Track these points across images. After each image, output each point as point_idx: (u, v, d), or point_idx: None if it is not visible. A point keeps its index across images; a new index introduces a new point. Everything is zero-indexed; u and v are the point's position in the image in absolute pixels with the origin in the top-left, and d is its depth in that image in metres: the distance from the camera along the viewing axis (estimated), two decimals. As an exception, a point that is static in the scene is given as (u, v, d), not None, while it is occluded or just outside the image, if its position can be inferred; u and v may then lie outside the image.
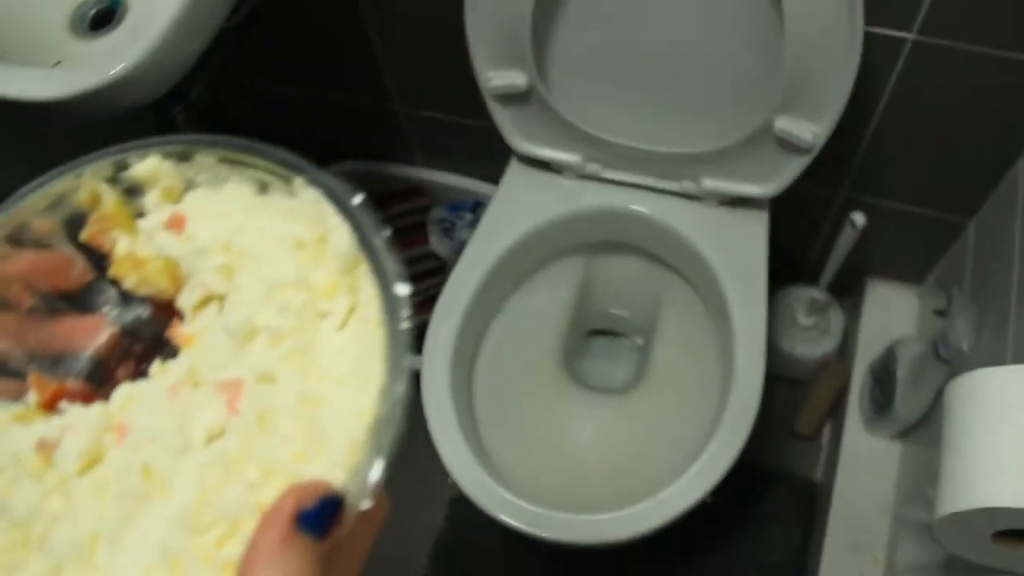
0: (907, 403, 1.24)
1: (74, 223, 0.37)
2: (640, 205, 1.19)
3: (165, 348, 0.37)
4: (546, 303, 1.27)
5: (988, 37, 0.99)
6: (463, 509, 1.52)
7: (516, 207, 1.19)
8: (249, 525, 0.30)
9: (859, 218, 1.18)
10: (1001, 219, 1.15)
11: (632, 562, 1.47)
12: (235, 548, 0.30)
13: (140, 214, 0.38)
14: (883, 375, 1.32)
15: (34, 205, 0.37)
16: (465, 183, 1.52)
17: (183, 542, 0.31)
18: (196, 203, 0.37)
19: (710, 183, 1.15)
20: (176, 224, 0.37)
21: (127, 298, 0.38)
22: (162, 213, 0.37)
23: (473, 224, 1.42)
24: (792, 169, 1.10)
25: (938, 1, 0.97)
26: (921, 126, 1.14)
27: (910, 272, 1.46)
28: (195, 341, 0.36)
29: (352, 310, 0.34)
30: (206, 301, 0.36)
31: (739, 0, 0.96)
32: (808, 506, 1.47)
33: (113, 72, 0.82)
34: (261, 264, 0.36)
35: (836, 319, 1.48)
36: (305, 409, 0.33)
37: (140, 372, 0.36)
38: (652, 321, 1.30)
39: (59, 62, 0.98)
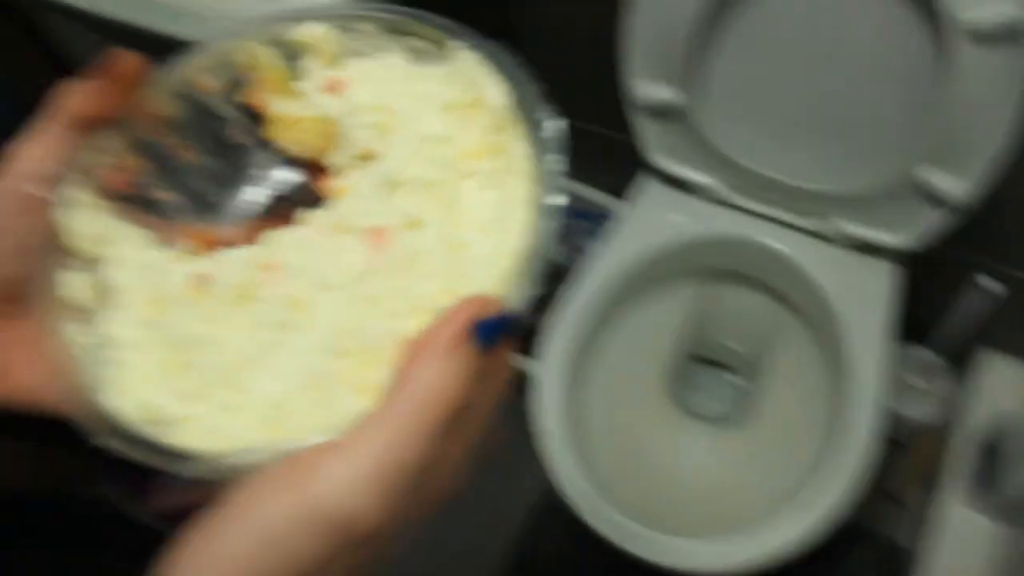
0: (1017, 482, 1.20)
1: (235, 85, 0.39)
2: (769, 237, 1.18)
3: (314, 205, 0.38)
4: (661, 323, 1.26)
5: None
6: (543, 517, 1.52)
7: (647, 223, 1.19)
8: (391, 354, 0.31)
9: (991, 284, 1.15)
10: None
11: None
12: (376, 374, 0.31)
13: (299, 79, 0.39)
14: (993, 450, 1.28)
15: (198, 64, 0.38)
16: (583, 191, 1.52)
17: (326, 366, 0.33)
18: (355, 69, 0.39)
19: (845, 225, 1.13)
20: (334, 88, 0.38)
21: (279, 160, 0.40)
22: (320, 77, 0.39)
23: (591, 233, 1.41)
24: (933, 223, 1.07)
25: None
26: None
27: (1029, 348, 1.42)
28: (345, 192, 0.38)
29: (500, 169, 0.35)
30: (359, 159, 0.38)
31: (902, 51, 0.94)
32: (891, 570, 1.43)
33: None
34: (414, 124, 0.37)
35: (947, 385, 1.43)
36: (450, 252, 0.34)
37: (289, 223, 0.38)
38: (761, 358, 1.28)
39: None
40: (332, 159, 0.38)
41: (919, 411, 1.43)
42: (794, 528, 1.01)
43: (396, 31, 0.38)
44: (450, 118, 0.37)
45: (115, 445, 0.31)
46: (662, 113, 1.10)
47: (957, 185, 1.01)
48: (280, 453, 0.29)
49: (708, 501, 1.15)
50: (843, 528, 1.47)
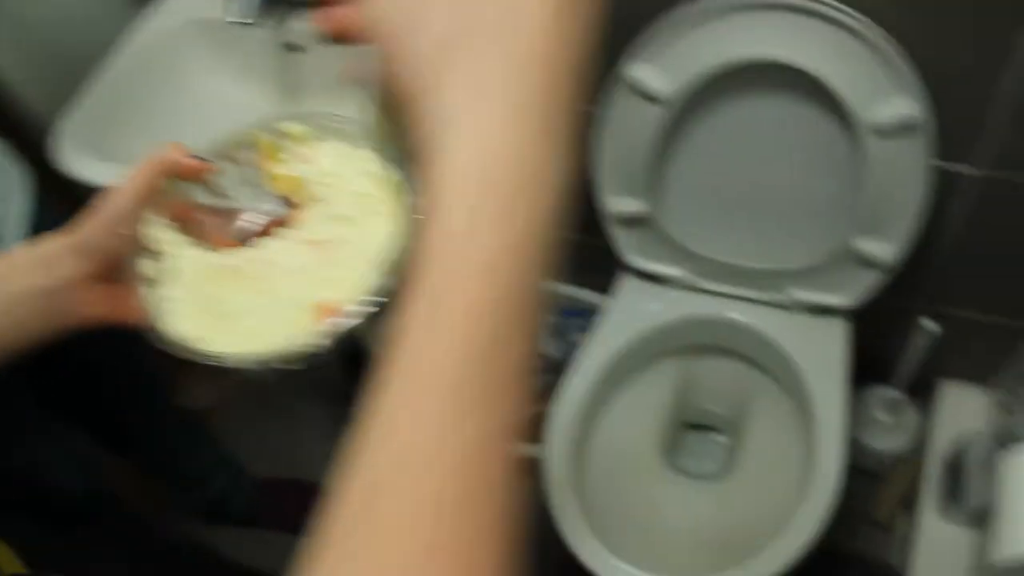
0: (978, 492, 1.38)
1: (249, 152, 0.64)
2: (735, 313, 1.38)
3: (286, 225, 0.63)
4: (650, 398, 1.45)
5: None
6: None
7: (629, 314, 1.38)
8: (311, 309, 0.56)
9: (931, 327, 1.35)
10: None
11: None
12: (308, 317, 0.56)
13: (283, 152, 0.64)
14: (956, 467, 1.46)
15: (231, 141, 0.64)
16: (574, 292, 1.72)
17: (286, 313, 0.57)
18: (316, 149, 0.63)
19: (797, 293, 1.33)
20: (306, 160, 0.62)
21: (270, 196, 0.64)
22: (296, 152, 0.63)
23: (583, 328, 1.60)
24: (870, 283, 1.27)
25: (1007, 143, 1.16)
26: (992, 240, 1.30)
27: (980, 373, 1.60)
28: (304, 221, 0.62)
29: (392, 211, 0.58)
30: (314, 200, 0.62)
31: (826, 146, 1.16)
32: (886, 590, 1.59)
33: None
34: (348, 184, 0.61)
35: (912, 417, 1.62)
36: (358, 255, 0.58)
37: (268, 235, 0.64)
38: (742, 416, 1.47)
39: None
40: (299, 199, 0.63)
41: (891, 443, 1.61)
42: (777, 556, 1.17)
43: (337, 129, 0.63)
44: (368, 181, 0.60)
45: (171, 350, 0.56)
46: (631, 221, 1.31)
47: (885, 249, 1.21)
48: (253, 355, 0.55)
49: (702, 546, 1.32)
50: (838, 556, 1.65)
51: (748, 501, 1.41)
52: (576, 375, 1.34)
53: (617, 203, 1.28)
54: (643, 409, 1.45)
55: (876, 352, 1.62)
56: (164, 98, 1.34)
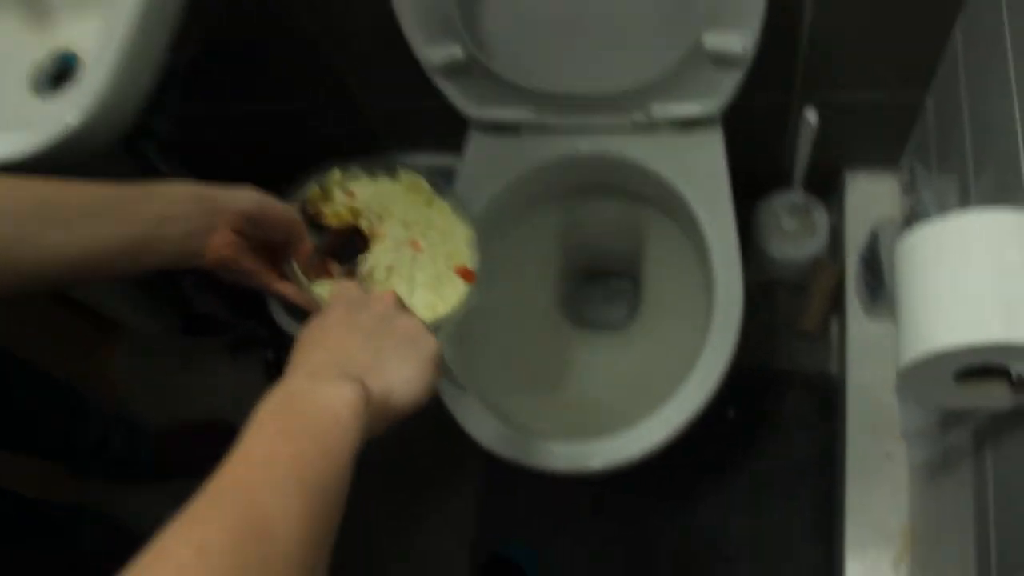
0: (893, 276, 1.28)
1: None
2: (598, 146, 1.24)
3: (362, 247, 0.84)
4: (533, 254, 1.32)
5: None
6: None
7: (481, 172, 1.25)
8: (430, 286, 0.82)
9: (811, 116, 1.22)
10: (950, 87, 1.18)
11: (663, 482, 1.52)
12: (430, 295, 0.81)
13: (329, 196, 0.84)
14: (871, 260, 1.36)
15: (299, 194, 0.82)
16: (441, 160, 1.58)
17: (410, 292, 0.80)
18: (354, 186, 0.84)
19: (658, 110, 1.19)
20: (350, 195, 0.83)
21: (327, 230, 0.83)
22: (341, 193, 0.84)
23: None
24: (731, 82, 1.14)
25: None
26: (854, 11, 1.16)
27: (884, 157, 1.49)
28: (384, 234, 0.83)
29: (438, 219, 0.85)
30: (371, 225, 0.83)
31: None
32: (827, 400, 1.52)
33: (70, 122, 0.89)
34: (395, 206, 0.84)
35: (820, 217, 1.51)
36: (442, 248, 0.84)
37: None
38: (637, 256, 1.35)
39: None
40: (361, 224, 0.83)
41: (805, 249, 1.50)
42: (690, 398, 1.07)
43: (367, 169, 0.85)
44: (411, 199, 0.85)
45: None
46: (458, 69, 1.16)
47: (736, 40, 1.07)
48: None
49: (622, 402, 1.22)
50: (774, 376, 1.57)
51: (657, 344, 1.31)
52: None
53: (434, 52, 1.13)
54: (529, 262, 1.33)
55: (766, 159, 1.51)
56: None
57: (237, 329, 1.72)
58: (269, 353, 1.73)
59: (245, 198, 0.71)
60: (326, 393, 0.54)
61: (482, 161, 1.26)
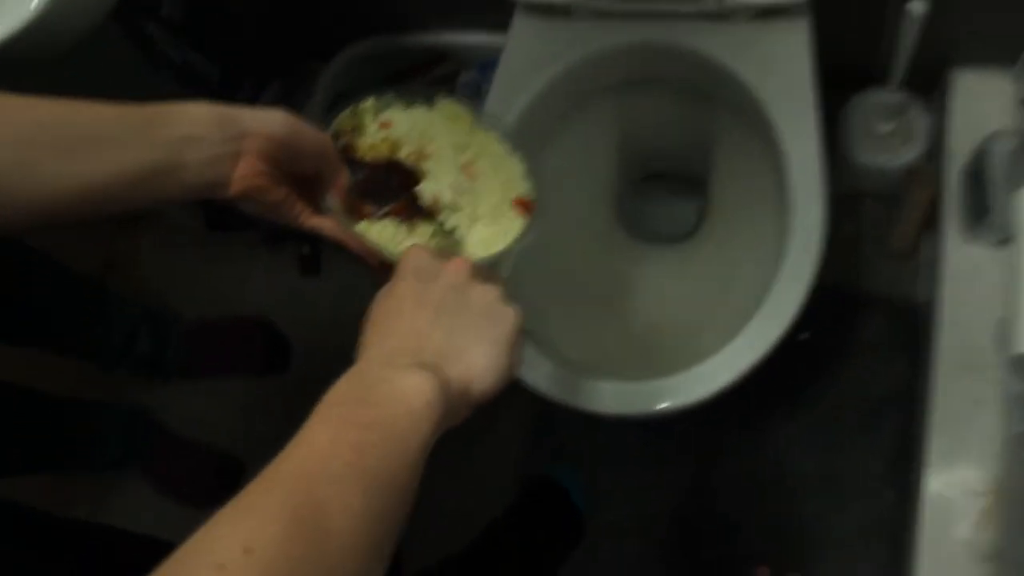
0: (1004, 204, 1.10)
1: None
2: (661, 35, 1.07)
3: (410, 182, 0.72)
4: (586, 155, 1.17)
5: None
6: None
7: (527, 60, 1.09)
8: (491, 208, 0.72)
9: (917, 5, 1.02)
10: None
11: (725, 409, 1.39)
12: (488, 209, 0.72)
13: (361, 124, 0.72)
14: (977, 177, 1.17)
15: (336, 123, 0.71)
16: (489, 39, 1.41)
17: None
18: (388, 115, 0.72)
19: (735, -6, 1.01)
20: (384, 125, 0.72)
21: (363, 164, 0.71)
22: (375, 123, 0.72)
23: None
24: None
25: None
26: None
27: (1001, 53, 1.28)
28: (432, 161, 0.72)
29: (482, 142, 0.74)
30: (416, 156, 0.72)
31: None
32: (912, 330, 1.35)
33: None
34: (440, 137, 0.73)
35: (919, 121, 1.32)
36: (497, 172, 0.73)
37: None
38: (703, 161, 1.19)
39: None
40: (402, 155, 0.72)
41: (900, 157, 1.32)
42: (768, 333, 0.94)
43: (403, 96, 0.73)
44: (452, 128, 0.73)
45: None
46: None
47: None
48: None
49: (681, 329, 1.08)
50: (856, 298, 1.41)
51: (726, 261, 1.15)
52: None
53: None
54: (581, 167, 1.18)
55: (857, 50, 1.31)
56: None
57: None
58: (305, 247, 1.63)
59: (274, 121, 0.63)
60: (400, 383, 0.51)
61: (528, 47, 1.10)
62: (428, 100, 0.73)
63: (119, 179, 0.57)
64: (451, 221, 0.70)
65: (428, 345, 0.55)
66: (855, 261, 1.43)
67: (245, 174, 0.62)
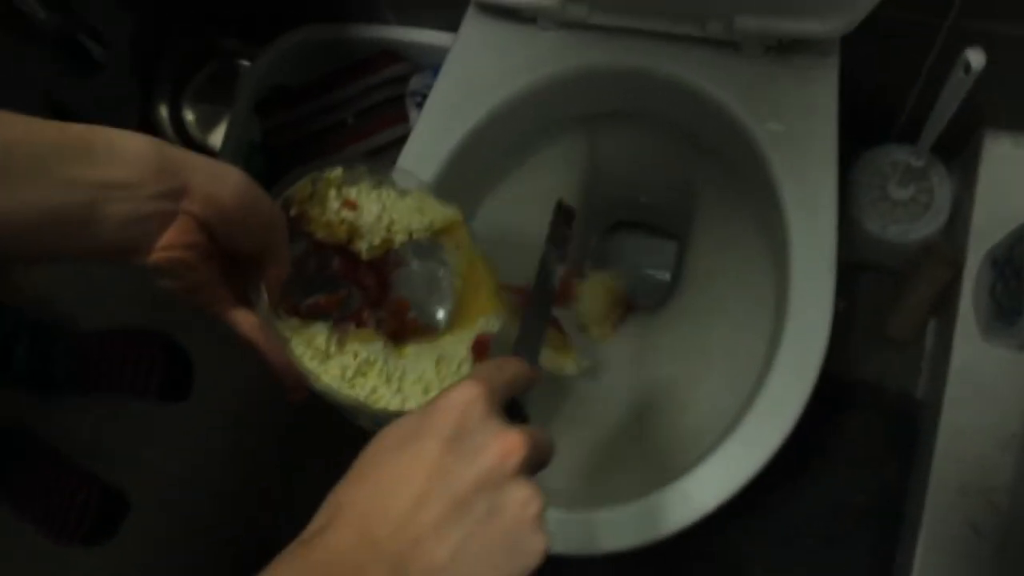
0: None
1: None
2: (649, 59, 0.85)
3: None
4: (537, 201, 0.95)
5: None
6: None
7: (476, 74, 0.86)
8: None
9: (976, 56, 0.82)
10: None
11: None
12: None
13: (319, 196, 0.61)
14: (1010, 266, 0.98)
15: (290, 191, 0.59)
16: (450, 39, 1.20)
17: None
18: (355, 195, 0.61)
19: (749, 22, 0.79)
20: (350, 206, 0.61)
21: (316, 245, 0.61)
22: (338, 200, 0.60)
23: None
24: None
25: None
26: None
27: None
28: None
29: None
30: (382, 245, 0.62)
31: None
32: (906, 432, 1.16)
33: None
34: (407, 222, 0.63)
35: (941, 188, 1.12)
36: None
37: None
38: (687, 211, 0.98)
39: None
40: (359, 246, 0.61)
41: (914, 230, 1.12)
42: (731, 477, 0.74)
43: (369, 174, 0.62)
44: (416, 215, 0.63)
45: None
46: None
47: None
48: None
49: (638, 429, 0.87)
50: (841, 386, 1.21)
51: (694, 348, 0.94)
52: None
53: None
54: (537, 206, 0.96)
55: (882, 98, 1.10)
56: None
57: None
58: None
59: (227, 184, 0.49)
60: None
61: (479, 58, 0.88)
62: (402, 186, 0.63)
63: (8, 222, 0.43)
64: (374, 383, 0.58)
65: (421, 559, 0.40)
66: (845, 343, 1.23)
67: (173, 244, 0.48)
